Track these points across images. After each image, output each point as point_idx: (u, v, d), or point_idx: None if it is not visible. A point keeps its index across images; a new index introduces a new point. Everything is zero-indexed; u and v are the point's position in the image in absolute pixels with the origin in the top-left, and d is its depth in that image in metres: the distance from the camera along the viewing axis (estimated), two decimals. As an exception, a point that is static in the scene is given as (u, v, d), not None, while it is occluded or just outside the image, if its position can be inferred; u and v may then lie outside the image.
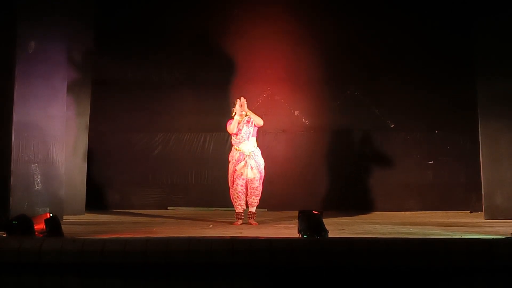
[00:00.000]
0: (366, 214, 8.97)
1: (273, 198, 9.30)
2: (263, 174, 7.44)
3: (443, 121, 9.48)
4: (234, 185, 7.35)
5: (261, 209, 9.31)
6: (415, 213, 9.03)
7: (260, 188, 7.44)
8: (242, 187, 7.35)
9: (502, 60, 8.01)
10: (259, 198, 7.45)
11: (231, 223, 7.40)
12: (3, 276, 4.55)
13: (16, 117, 7.09)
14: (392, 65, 9.52)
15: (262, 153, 7.52)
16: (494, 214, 7.96)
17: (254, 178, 7.32)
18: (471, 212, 9.02)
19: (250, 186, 7.35)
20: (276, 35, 9.54)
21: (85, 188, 8.71)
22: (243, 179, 7.32)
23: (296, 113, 9.74)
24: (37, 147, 7.35)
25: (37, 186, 7.32)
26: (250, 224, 7.35)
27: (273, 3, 9.53)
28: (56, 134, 7.64)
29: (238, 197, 7.35)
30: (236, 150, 7.41)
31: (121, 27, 9.64)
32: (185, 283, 4.49)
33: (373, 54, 9.55)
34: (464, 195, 9.29)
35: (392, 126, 9.61)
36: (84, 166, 8.72)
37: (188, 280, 4.49)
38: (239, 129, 7.42)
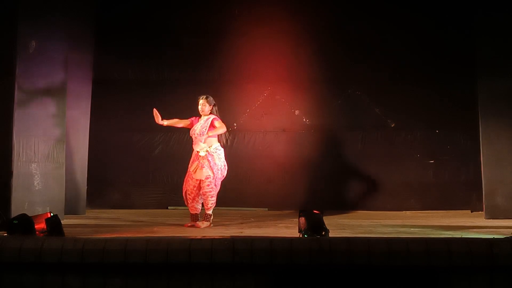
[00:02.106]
0: (366, 213, 8.96)
1: (273, 198, 9.30)
2: (219, 175, 7.10)
3: (443, 120, 9.46)
4: (185, 185, 7.15)
5: (261, 209, 9.35)
6: (416, 213, 9.02)
7: (215, 188, 7.10)
8: (194, 188, 7.08)
9: (502, 58, 7.99)
10: (214, 199, 7.12)
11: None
12: (4, 276, 4.56)
13: (17, 116, 7.09)
14: (392, 64, 9.50)
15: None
16: (494, 213, 7.96)
17: (206, 179, 7.00)
18: (471, 212, 9.01)
19: (202, 187, 7.05)
20: (276, 35, 9.52)
21: (86, 187, 8.72)
22: (196, 180, 7.06)
23: (296, 112, 9.73)
24: (38, 147, 7.34)
25: (38, 185, 7.31)
26: (195, 226, 7.01)
27: (273, 3, 9.51)
28: (57, 134, 7.64)
29: (186, 198, 7.15)
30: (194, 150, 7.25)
31: (121, 26, 9.62)
32: (186, 282, 4.49)
33: (373, 54, 9.53)
34: (465, 195, 9.27)
35: (392, 126, 9.60)
36: (85, 165, 8.72)
37: (189, 279, 4.49)
38: (193, 122, 7.28)
